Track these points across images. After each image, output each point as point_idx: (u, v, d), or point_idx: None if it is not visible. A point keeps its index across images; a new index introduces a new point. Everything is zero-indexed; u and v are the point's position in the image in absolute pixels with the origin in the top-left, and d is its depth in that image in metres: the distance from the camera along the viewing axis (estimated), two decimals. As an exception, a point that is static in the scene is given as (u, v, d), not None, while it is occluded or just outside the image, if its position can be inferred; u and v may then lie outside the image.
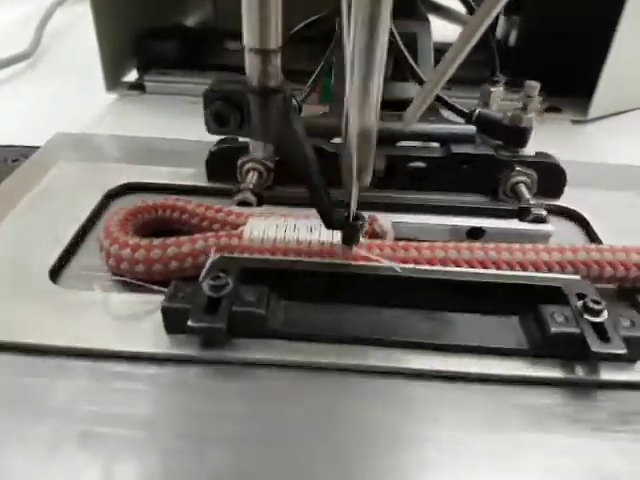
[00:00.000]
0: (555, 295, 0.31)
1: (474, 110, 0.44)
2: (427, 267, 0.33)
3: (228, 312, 0.29)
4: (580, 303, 0.30)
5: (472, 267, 0.33)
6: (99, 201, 0.41)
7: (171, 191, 0.43)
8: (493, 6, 0.25)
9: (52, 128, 0.53)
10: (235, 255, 0.33)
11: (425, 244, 0.34)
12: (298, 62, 0.48)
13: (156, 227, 0.37)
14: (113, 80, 0.72)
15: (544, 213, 0.38)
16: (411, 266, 0.33)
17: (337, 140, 0.43)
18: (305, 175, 0.30)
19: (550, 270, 0.34)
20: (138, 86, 0.74)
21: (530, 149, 0.43)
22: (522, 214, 0.39)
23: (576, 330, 0.29)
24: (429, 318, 0.32)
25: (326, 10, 0.53)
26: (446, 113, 0.47)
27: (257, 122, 0.28)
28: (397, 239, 0.36)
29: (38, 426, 0.26)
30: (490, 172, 0.42)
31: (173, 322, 0.30)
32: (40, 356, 0.29)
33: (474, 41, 0.26)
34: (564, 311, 0.30)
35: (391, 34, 0.32)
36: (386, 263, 0.32)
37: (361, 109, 0.28)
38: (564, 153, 0.44)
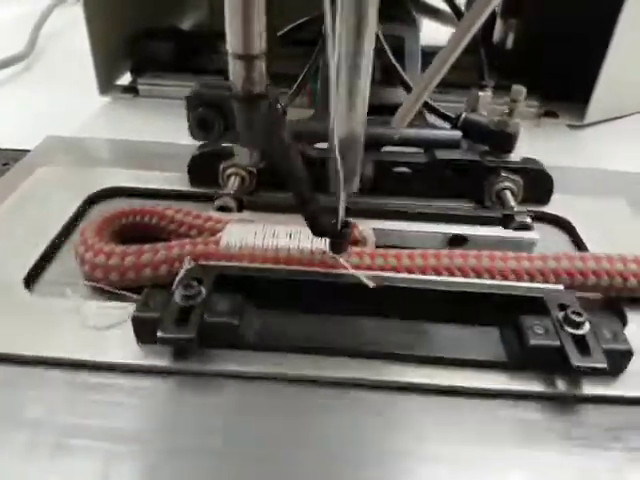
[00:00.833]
0: (537, 305, 0.30)
1: (460, 115, 0.44)
2: (407, 276, 0.32)
3: (199, 322, 0.28)
4: (561, 314, 0.29)
5: (452, 275, 0.33)
6: (79, 206, 0.41)
7: (154, 196, 0.42)
8: (481, 11, 0.24)
9: (45, 131, 0.53)
10: (210, 263, 0.32)
11: (405, 252, 0.34)
12: (287, 65, 0.48)
13: (134, 233, 0.37)
14: (106, 83, 0.72)
15: (528, 220, 0.38)
16: (391, 275, 0.32)
17: (322, 145, 0.42)
18: (291, 182, 0.29)
19: (532, 279, 0.33)
20: (131, 89, 0.73)
21: (525, 154, 0.42)
22: (506, 221, 0.38)
23: (556, 343, 0.28)
24: (408, 328, 0.31)
25: (316, 12, 0.52)
26: (432, 118, 0.46)
27: (242, 128, 0.27)
28: (378, 246, 0.36)
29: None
30: (475, 178, 0.42)
31: (144, 332, 0.29)
32: (9, 365, 0.29)
33: (463, 46, 0.26)
34: (545, 322, 0.29)
35: (377, 39, 0.31)
36: (357, 273, 0.31)
37: (347, 114, 0.28)
38: (560, 158, 0.43)
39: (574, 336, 0.28)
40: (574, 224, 0.41)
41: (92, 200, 0.42)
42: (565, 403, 0.28)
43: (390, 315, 0.31)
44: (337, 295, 0.32)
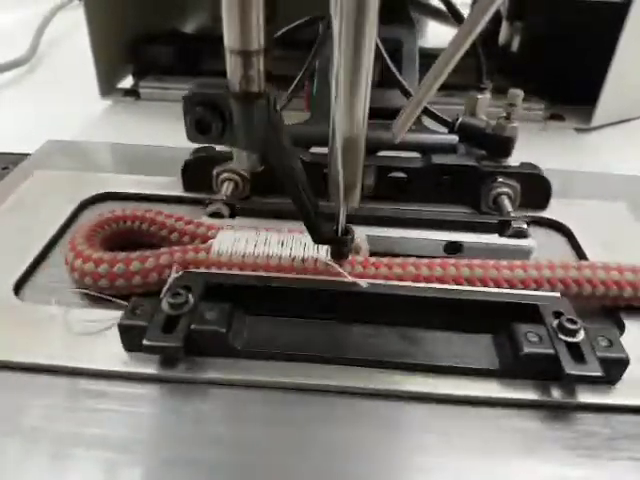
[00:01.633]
0: (531, 313, 0.30)
1: (457, 119, 0.43)
2: (400, 283, 0.32)
3: (186, 330, 0.28)
4: (556, 322, 0.29)
5: (444, 284, 0.32)
6: (72, 211, 0.41)
7: (147, 200, 0.42)
8: (483, 14, 0.24)
9: (45, 134, 0.53)
10: (199, 270, 0.32)
11: (397, 260, 0.33)
12: (283, 67, 0.47)
13: (125, 239, 0.37)
14: (107, 86, 0.72)
15: (525, 227, 0.37)
16: (383, 282, 0.32)
17: (316, 149, 0.42)
18: (291, 187, 0.28)
19: (526, 288, 0.32)
20: (133, 92, 0.73)
21: (529, 159, 0.42)
22: (503, 227, 0.37)
23: (550, 351, 0.28)
24: (401, 336, 0.31)
25: (311, 14, 0.52)
26: (428, 122, 0.45)
27: (240, 130, 0.26)
28: (372, 254, 0.35)
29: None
30: (472, 183, 0.41)
31: (130, 340, 0.29)
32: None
33: (464, 50, 0.25)
34: (539, 330, 0.29)
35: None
36: (353, 279, 0.30)
37: (348, 120, 0.27)
38: (567, 162, 0.43)
39: (568, 344, 0.28)
40: (572, 229, 0.40)
41: (85, 205, 0.42)
42: (562, 412, 0.28)
43: (382, 323, 0.31)
44: (328, 303, 0.31)
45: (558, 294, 0.31)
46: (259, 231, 0.34)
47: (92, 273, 0.32)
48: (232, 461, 0.25)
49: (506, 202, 0.40)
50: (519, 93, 0.39)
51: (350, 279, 0.31)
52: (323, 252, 0.33)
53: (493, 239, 0.37)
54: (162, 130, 0.65)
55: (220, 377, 0.28)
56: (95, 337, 0.30)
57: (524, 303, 0.30)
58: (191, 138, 0.26)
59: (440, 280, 0.32)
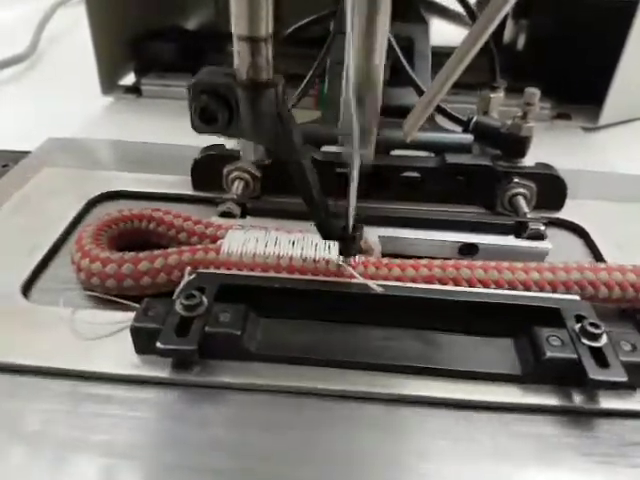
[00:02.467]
0: (552, 317, 0.29)
1: (471, 118, 0.42)
2: (417, 285, 0.31)
3: (200, 333, 0.27)
4: (578, 326, 0.28)
5: (459, 286, 0.32)
6: (80, 209, 0.40)
7: (156, 199, 0.41)
8: (496, 13, 0.23)
9: (46, 131, 0.52)
10: (213, 271, 0.31)
11: (410, 261, 0.33)
12: (293, 65, 0.46)
13: (133, 239, 0.36)
14: (109, 83, 0.71)
15: (542, 228, 0.36)
16: (399, 284, 0.31)
17: (327, 148, 0.41)
18: (300, 181, 0.27)
19: (541, 291, 0.32)
20: (134, 89, 0.72)
21: (536, 158, 0.41)
22: (519, 229, 0.37)
23: (573, 355, 0.27)
24: (418, 339, 0.30)
25: (316, 13, 0.51)
26: (442, 120, 0.45)
27: (247, 120, 0.25)
28: (384, 255, 0.34)
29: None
30: (487, 184, 0.40)
31: (143, 343, 0.28)
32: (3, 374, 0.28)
33: (477, 49, 0.24)
34: (561, 334, 0.28)
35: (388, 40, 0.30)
36: (365, 281, 0.30)
37: (364, 53, 0.26)
38: (574, 161, 0.42)
39: (591, 348, 0.27)
40: (588, 230, 0.40)
41: (93, 203, 0.41)
42: (584, 418, 0.27)
43: (399, 325, 0.30)
44: (342, 304, 0.30)
45: (578, 297, 0.31)
46: (269, 231, 0.34)
47: (99, 273, 0.31)
48: (246, 467, 0.25)
49: (522, 203, 0.39)
50: (536, 92, 0.38)
51: (362, 280, 0.30)
52: (335, 253, 0.32)
53: (509, 241, 0.36)
54: (164, 128, 0.64)
55: (234, 381, 0.28)
56: (105, 340, 0.29)
57: (545, 306, 0.30)
58: (196, 128, 0.25)
59: (454, 282, 0.32)
